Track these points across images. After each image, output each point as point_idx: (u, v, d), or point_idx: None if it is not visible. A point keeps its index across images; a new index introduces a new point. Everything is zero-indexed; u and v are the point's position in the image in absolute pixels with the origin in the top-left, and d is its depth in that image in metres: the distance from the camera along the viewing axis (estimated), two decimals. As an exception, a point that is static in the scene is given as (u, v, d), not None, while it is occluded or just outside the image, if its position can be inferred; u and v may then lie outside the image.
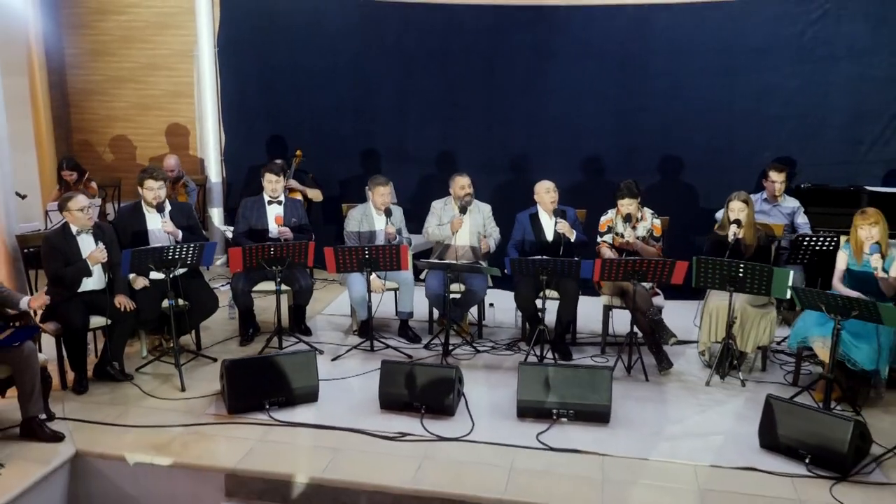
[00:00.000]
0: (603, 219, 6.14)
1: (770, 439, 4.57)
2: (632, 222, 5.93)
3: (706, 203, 7.27)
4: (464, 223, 6.28)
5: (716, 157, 7.50)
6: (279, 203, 6.43)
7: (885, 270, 5.17)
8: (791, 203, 6.82)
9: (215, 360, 5.74)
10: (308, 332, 6.44)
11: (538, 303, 5.76)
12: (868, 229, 5.23)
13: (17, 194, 6.46)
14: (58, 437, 4.64)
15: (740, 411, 5.05)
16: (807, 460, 4.38)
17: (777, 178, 6.75)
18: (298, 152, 7.91)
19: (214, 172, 8.40)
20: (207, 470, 4.45)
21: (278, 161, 7.65)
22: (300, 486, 4.32)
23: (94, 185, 7.73)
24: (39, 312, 5.09)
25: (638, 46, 7.54)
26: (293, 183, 7.72)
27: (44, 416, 4.73)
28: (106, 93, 9.01)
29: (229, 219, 8.04)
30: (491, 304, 6.72)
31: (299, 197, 7.50)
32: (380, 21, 8.02)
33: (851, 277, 5.37)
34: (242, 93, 8.46)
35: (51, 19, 8.73)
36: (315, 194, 7.84)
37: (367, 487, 4.26)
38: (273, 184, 6.38)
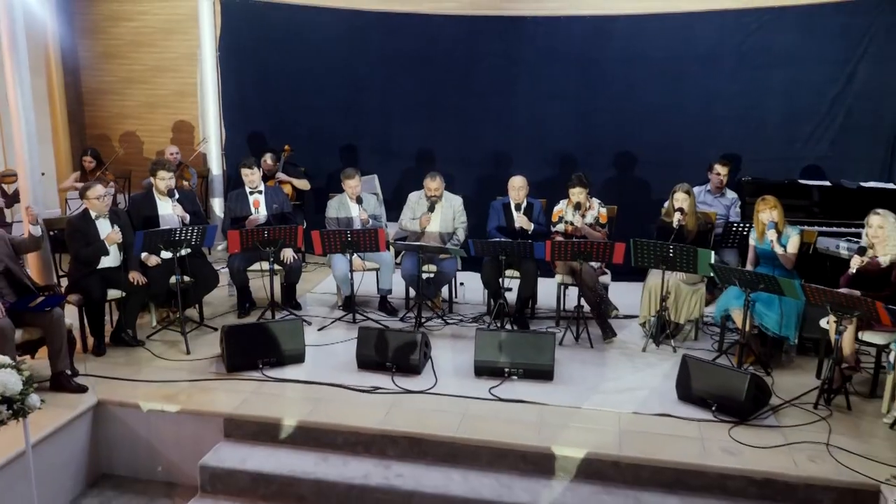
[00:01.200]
0: (555, 209, 6.93)
1: (685, 391, 5.39)
2: (581, 210, 6.71)
3: (658, 195, 7.94)
4: (433, 218, 7.08)
5: (666, 153, 8.23)
6: (259, 192, 7.23)
7: (782, 246, 6.00)
8: (731, 196, 7.62)
9: (216, 329, 6.54)
10: (298, 307, 7.23)
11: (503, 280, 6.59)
12: (769, 213, 6.06)
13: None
14: (82, 389, 5.45)
15: (667, 372, 5.82)
16: (713, 408, 5.20)
17: (722, 172, 7.55)
18: (286, 147, 8.68)
19: (216, 165, 9.14)
20: (209, 415, 5.26)
21: (268, 156, 8.44)
22: (287, 428, 5.12)
23: (109, 174, 8.54)
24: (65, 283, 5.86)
25: (597, 53, 8.30)
26: (281, 175, 8.52)
27: (70, 372, 5.55)
28: (117, 92, 9.83)
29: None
30: (461, 283, 7.54)
31: (289, 187, 8.30)
32: (366, 29, 8.77)
33: (760, 255, 6.20)
34: (241, 93, 9.19)
35: (67, 25, 9.54)
36: (302, 184, 8.61)
37: (344, 429, 5.07)
38: (249, 176, 7.19)
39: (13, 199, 7.94)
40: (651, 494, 4.61)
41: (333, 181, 8.77)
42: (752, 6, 7.94)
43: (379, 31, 8.77)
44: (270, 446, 5.11)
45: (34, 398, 4.15)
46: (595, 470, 4.74)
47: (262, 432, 5.16)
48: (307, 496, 4.80)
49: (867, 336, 5.49)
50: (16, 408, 4.03)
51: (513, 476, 4.79)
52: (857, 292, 5.26)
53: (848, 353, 5.43)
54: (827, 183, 7.86)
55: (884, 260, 5.47)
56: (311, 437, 5.10)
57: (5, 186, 8.00)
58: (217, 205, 9.14)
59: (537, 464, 4.82)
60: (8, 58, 6.04)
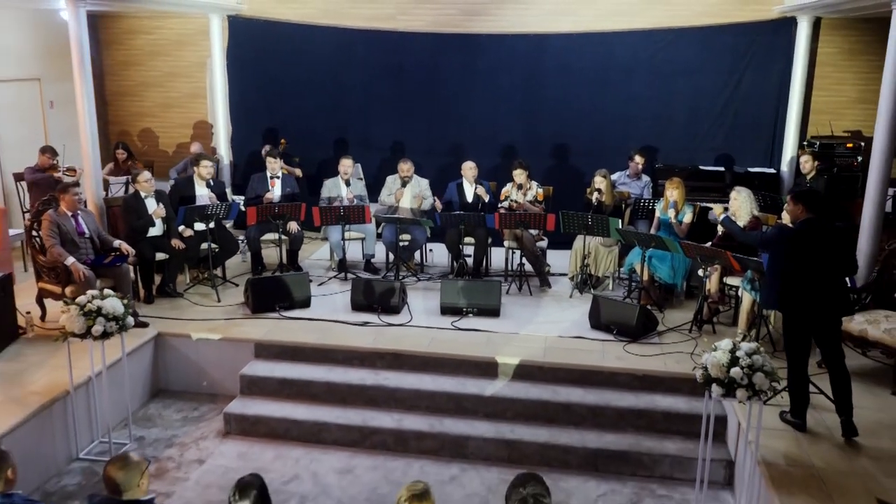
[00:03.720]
0: (503, 190, 8.80)
1: (595, 321, 7.32)
2: (522, 189, 8.60)
3: (587, 178, 9.58)
4: (405, 194, 8.92)
5: (593, 145, 10.07)
6: (277, 177, 9.02)
7: (679, 221, 7.94)
8: (646, 179, 9.52)
9: (237, 285, 8.36)
10: (299, 269, 8.97)
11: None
12: (672, 191, 7.99)
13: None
14: (145, 324, 7.21)
15: (586, 311, 7.62)
16: (614, 332, 7.14)
17: (640, 161, 9.43)
18: (283, 141, 10.37)
19: (224, 156, 10.89)
20: (243, 341, 7.07)
21: (266, 147, 10.14)
22: (302, 349, 6.94)
23: (139, 163, 10.22)
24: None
25: (538, 65, 10.10)
26: (280, 162, 10.26)
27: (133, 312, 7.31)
28: (136, 94, 11.45)
29: (236, 190, 10.48)
30: (430, 250, 9.41)
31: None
32: (350, 43, 10.44)
33: (661, 223, 8.13)
34: (246, 96, 10.82)
35: (92, 37, 11.13)
36: (296, 172, 10.35)
37: (343, 348, 6.92)
38: (272, 164, 8.98)
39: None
40: (564, 387, 6.51)
41: (323, 169, 10.57)
42: (660, 27, 9.82)
43: (361, 44, 10.45)
44: (290, 362, 6.93)
45: (130, 319, 5.95)
46: (525, 372, 6.64)
47: (284, 352, 6.99)
48: (319, 394, 6.64)
49: (730, 280, 7.47)
50: (120, 324, 5.82)
51: (467, 378, 6.67)
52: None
53: (713, 292, 7.40)
54: (722, 168, 9.84)
55: (739, 223, 7.40)
56: (319, 355, 6.94)
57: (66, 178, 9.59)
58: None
59: (485, 369, 6.69)
60: (78, 73, 7.79)
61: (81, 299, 5.75)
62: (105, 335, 5.72)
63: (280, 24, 10.56)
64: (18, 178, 9.50)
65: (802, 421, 5.60)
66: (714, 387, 4.96)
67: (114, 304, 5.79)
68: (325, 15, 10.47)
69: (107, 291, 5.94)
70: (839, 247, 5.48)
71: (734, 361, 4.92)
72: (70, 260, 6.88)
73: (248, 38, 10.72)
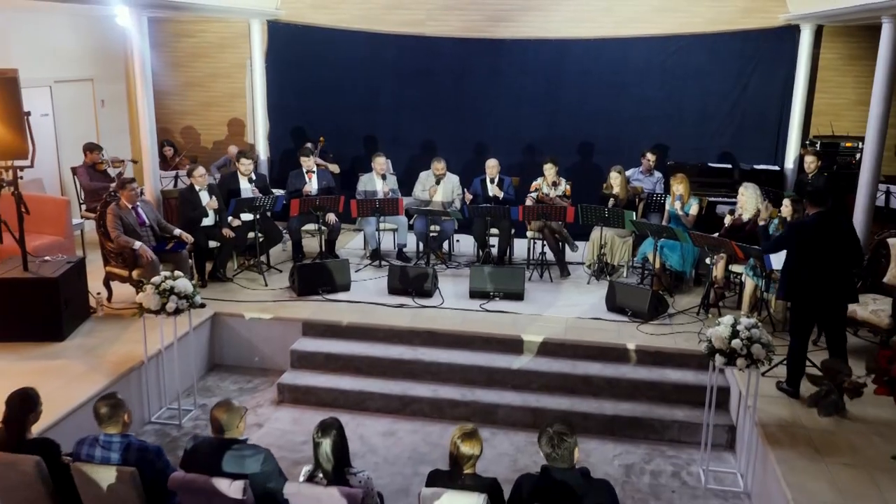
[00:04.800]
0: (534, 183, 9.45)
1: (611, 304, 8.03)
2: (555, 187, 9.28)
3: (605, 174, 10.36)
4: (438, 191, 9.63)
5: (610, 144, 10.76)
6: (313, 172, 9.74)
7: (685, 213, 8.62)
8: (658, 175, 10.19)
9: (281, 271, 9.10)
10: (336, 257, 9.71)
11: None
12: (677, 186, 8.68)
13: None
14: (202, 305, 7.87)
15: (602, 295, 8.33)
16: (628, 313, 7.84)
17: (651, 158, 10.10)
18: (321, 139, 11.11)
19: (262, 152, 11.62)
20: (292, 320, 7.80)
21: (308, 145, 10.90)
22: (346, 327, 7.67)
23: (185, 158, 10.97)
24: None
25: (558, 68, 10.78)
26: (318, 160, 10.99)
27: (190, 295, 8.06)
28: (179, 94, 12.16)
29: (273, 184, 11.13)
30: (458, 241, 10.12)
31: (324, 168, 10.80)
32: (382, 47, 11.13)
33: (671, 216, 8.81)
34: (284, 96, 11.52)
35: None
36: (333, 168, 11.11)
37: (383, 327, 7.64)
38: (306, 162, 9.70)
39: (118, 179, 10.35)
40: (583, 362, 7.22)
41: (356, 165, 11.31)
42: (672, 33, 10.49)
43: (392, 48, 11.13)
44: (335, 339, 7.65)
45: (198, 297, 6.70)
46: (548, 349, 7.35)
47: (329, 330, 7.72)
48: (363, 367, 7.37)
49: (734, 267, 8.14)
50: (189, 302, 6.57)
51: (496, 353, 7.38)
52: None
53: (719, 278, 8.08)
54: (729, 166, 10.51)
55: (745, 217, 8.09)
56: (361, 333, 7.66)
57: (110, 170, 10.35)
58: (263, 184, 11.53)
59: (512, 346, 7.40)
60: (139, 74, 8.54)
61: (156, 279, 6.50)
62: (177, 311, 6.47)
63: (316, 29, 11.26)
64: (75, 172, 10.27)
65: (796, 389, 6.29)
66: (717, 357, 5.65)
67: (184, 284, 6.54)
68: (358, 20, 11.18)
69: (177, 273, 6.68)
70: (846, 238, 6.09)
71: (735, 334, 5.60)
72: (137, 244, 7.64)
73: (285, 41, 11.41)
